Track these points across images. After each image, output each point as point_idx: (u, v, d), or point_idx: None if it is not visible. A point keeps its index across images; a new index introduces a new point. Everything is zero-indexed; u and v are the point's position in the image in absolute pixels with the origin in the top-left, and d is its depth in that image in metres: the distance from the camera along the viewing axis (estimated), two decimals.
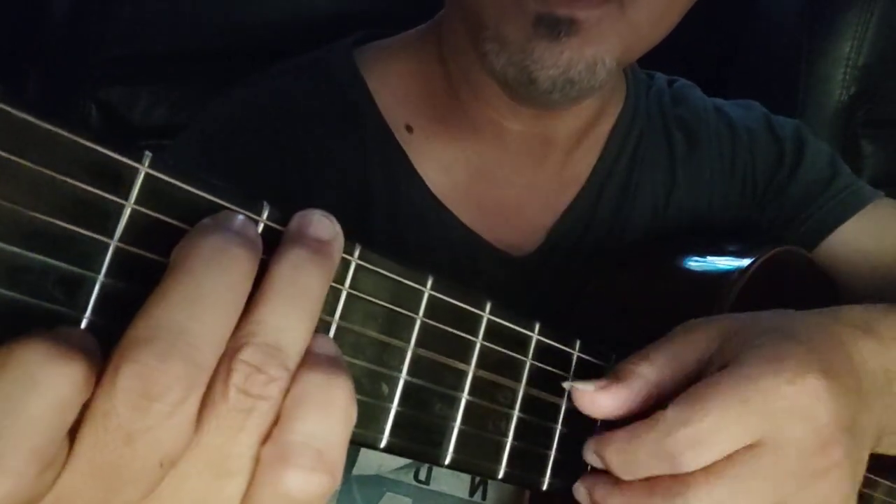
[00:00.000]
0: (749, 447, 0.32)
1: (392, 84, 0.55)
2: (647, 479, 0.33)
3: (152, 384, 0.20)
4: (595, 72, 0.42)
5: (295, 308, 0.23)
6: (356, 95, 0.54)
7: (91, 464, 0.20)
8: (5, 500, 0.19)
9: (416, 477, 0.49)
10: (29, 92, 0.68)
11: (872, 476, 0.51)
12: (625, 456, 0.33)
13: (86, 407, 0.20)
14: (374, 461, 0.48)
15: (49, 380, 0.19)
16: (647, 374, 0.35)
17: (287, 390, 0.23)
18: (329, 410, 0.23)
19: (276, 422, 0.23)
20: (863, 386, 0.35)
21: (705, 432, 0.31)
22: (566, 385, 0.35)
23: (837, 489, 0.33)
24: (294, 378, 0.23)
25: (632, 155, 0.57)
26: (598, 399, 0.34)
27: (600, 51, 0.42)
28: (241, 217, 0.23)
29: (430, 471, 0.50)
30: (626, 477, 0.33)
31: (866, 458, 0.36)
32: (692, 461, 0.31)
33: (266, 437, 0.23)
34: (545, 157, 0.55)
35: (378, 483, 0.49)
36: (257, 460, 0.23)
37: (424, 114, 0.54)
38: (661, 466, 0.32)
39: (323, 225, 0.25)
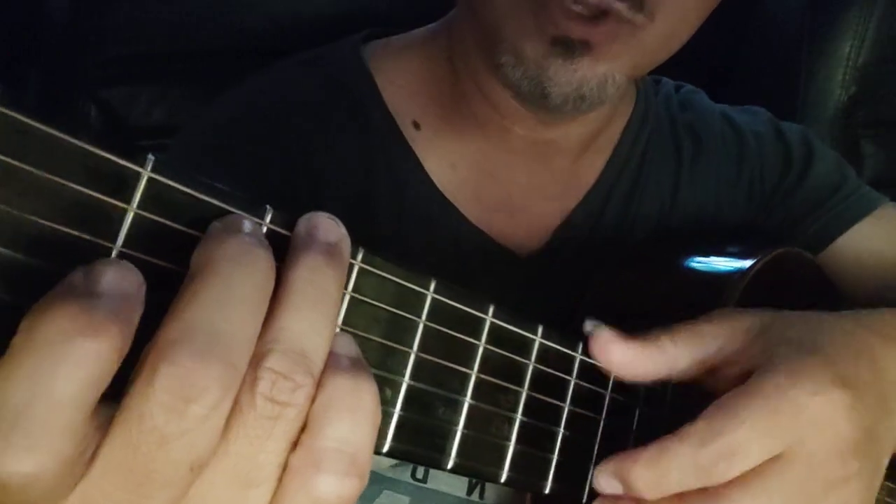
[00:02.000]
0: (774, 458, 0.32)
1: (400, 81, 0.55)
2: (676, 496, 0.33)
3: (190, 385, 0.20)
4: (605, 88, 0.44)
5: (316, 312, 0.23)
6: (363, 91, 0.54)
7: (121, 465, 0.20)
8: (36, 477, 0.18)
9: (413, 475, 0.49)
10: (29, 92, 0.68)
11: None
12: (655, 472, 0.32)
13: (117, 406, 0.20)
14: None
15: (76, 356, 0.18)
16: (668, 349, 0.35)
17: (313, 396, 0.23)
18: (358, 414, 0.23)
19: (303, 428, 0.23)
20: (886, 393, 0.36)
21: (739, 442, 0.31)
22: (588, 325, 0.35)
23: (856, 497, 0.34)
24: (320, 383, 0.23)
25: (640, 158, 0.57)
26: (611, 347, 0.34)
27: (612, 68, 0.43)
28: (250, 221, 0.23)
29: (427, 469, 0.50)
30: (653, 496, 0.33)
31: (885, 464, 0.36)
32: (725, 472, 0.31)
33: (294, 444, 0.22)
34: (551, 160, 0.55)
35: (376, 480, 0.49)
36: (285, 467, 0.22)
37: (432, 111, 0.54)
38: (692, 480, 0.32)
39: (331, 228, 0.25)
